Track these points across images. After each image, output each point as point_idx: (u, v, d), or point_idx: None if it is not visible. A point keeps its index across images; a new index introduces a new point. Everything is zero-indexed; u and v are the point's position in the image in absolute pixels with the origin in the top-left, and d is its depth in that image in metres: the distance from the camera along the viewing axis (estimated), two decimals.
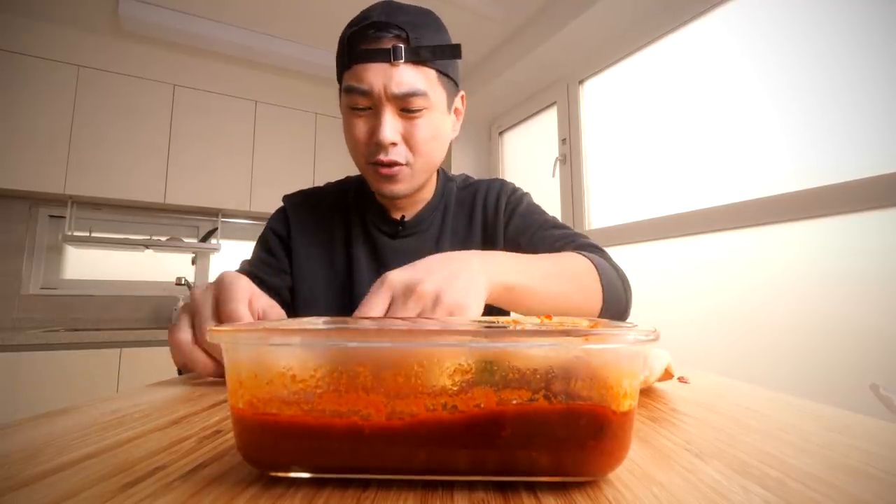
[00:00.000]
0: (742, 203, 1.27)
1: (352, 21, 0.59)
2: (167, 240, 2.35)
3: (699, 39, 1.48)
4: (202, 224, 2.55)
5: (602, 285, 0.55)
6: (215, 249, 2.43)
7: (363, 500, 0.18)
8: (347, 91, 0.58)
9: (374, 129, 0.59)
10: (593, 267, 0.56)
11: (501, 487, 0.20)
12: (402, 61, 0.56)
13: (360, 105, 0.58)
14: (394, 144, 0.59)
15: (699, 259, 1.40)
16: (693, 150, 1.46)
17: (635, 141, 1.70)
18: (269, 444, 0.20)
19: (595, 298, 0.54)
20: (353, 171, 0.76)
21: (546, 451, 0.19)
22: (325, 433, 0.19)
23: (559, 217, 2.02)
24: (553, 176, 2.10)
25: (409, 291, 0.38)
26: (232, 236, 2.58)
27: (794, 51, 1.20)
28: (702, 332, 1.34)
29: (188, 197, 2.28)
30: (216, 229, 2.46)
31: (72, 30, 2.13)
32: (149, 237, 2.36)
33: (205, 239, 2.47)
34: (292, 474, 0.20)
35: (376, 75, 0.56)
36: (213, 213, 2.46)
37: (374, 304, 0.38)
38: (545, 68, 2.06)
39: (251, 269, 0.69)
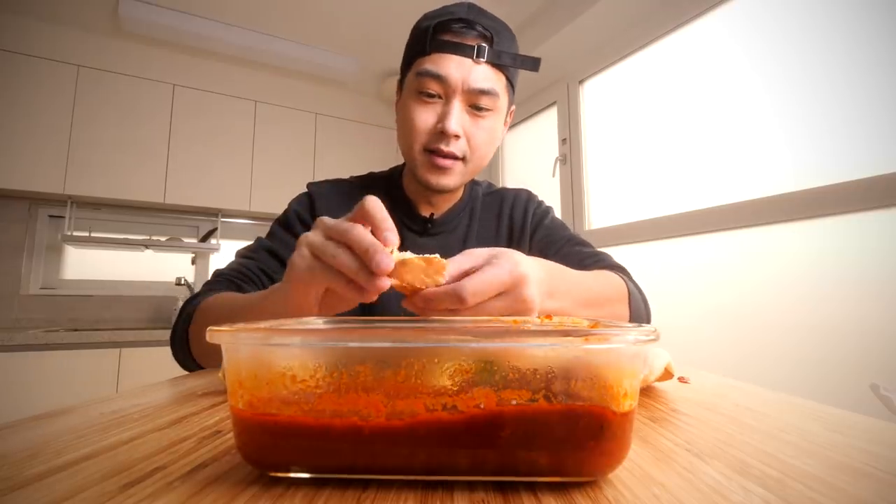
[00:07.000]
0: (742, 203, 1.27)
1: (432, 13, 0.61)
2: (167, 240, 2.35)
3: (699, 39, 1.48)
4: (202, 224, 2.54)
5: (630, 311, 0.57)
6: (215, 249, 2.43)
7: (363, 500, 0.18)
8: (420, 74, 0.59)
9: (441, 118, 0.60)
10: (626, 292, 0.57)
11: (501, 487, 0.20)
12: (485, 60, 0.58)
13: (431, 90, 0.59)
14: (457, 137, 0.60)
15: (699, 259, 1.40)
16: (693, 149, 1.46)
17: (635, 141, 1.70)
18: (268, 444, 0.20)
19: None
20: (354, 171, 0.76)
21: (546, 451, 0.19)
22: (324, 433, 0.19)
23: (559, 217, 2.02)
24: (553, 176, 2.10)
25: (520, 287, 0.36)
26: (232, 236, 2.57)
27: (794, 50, 1.20)
28: (702, 332, 1.34)
29: (188, 197, 2.27)
30: (216, 229, 2.46)
31: (72, 30, 2.13)
32: (149, 237, 2.35)
33: (205, 239, 2.47)
34: (292, 474, 0.20)
35: (458, 67, 0.58)
36: (213, 213, 2.46)
37: (492, 283, 0.35)
38: (545, 68, 2.06)
39: (271, 246, 0.66)
